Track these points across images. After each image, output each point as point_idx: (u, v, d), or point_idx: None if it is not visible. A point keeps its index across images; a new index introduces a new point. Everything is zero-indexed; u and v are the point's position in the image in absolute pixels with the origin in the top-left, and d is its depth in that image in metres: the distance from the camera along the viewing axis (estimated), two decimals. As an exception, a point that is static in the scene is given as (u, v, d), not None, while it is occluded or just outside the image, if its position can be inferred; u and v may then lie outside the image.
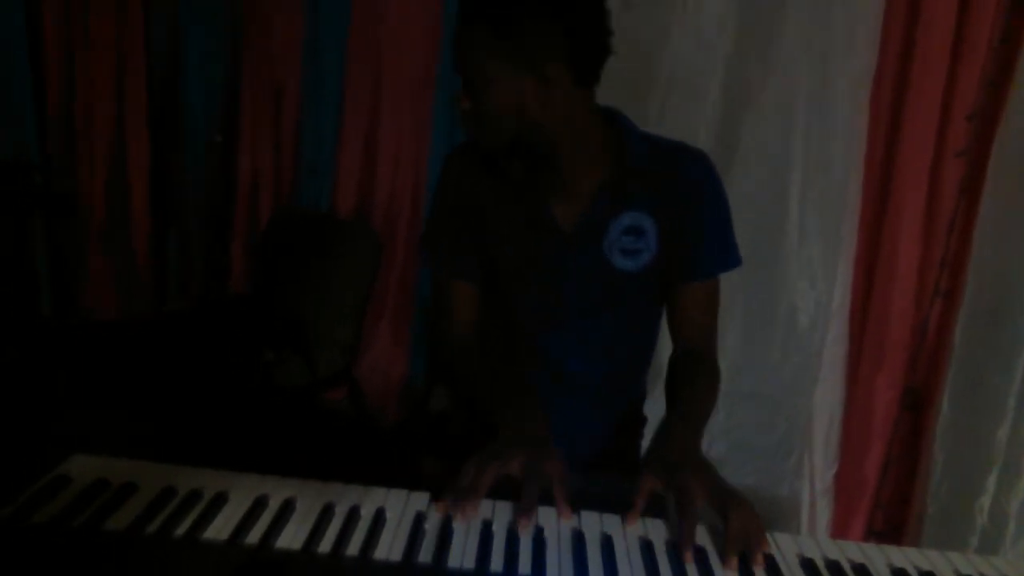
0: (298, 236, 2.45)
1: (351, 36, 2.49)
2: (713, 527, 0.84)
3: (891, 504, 2.02)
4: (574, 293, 1.11)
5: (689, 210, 1.09)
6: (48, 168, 2.91)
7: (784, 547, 0.82)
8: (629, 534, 0.82)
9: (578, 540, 0.79)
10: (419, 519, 0.80)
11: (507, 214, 1.11)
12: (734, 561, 0.78)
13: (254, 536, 0.75)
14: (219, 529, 0.75)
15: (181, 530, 0.75)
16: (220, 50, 2.72)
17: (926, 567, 0.81)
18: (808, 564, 0.79)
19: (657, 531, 0.83)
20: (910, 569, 0.80)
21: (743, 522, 0.81)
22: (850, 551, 0.83)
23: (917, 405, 1.96)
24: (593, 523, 0.83)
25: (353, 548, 0.74)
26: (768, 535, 0.83)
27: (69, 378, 2.44)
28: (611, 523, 0.83)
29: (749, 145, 1.94)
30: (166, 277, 3.03)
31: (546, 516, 0.83)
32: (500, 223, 1.12)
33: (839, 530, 2.03)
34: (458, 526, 0.79)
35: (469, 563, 0.74)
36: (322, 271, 2.28)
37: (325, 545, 0.74)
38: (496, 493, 0.84)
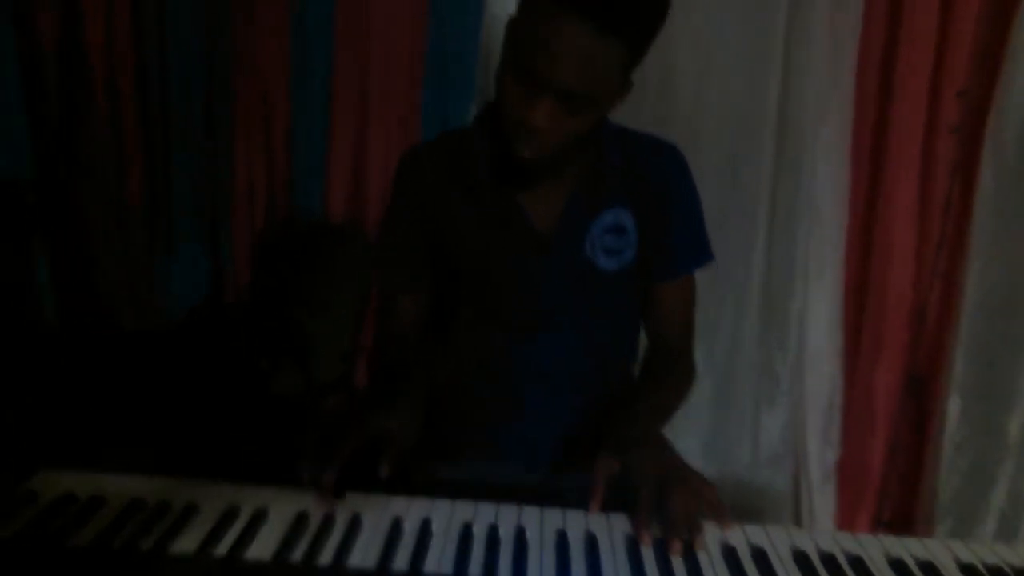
0: (292, 243, 2.43)
1: (337, 36, 2.47)
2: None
3: (899, 493, 1.98)
4: (555, 298, 1.05)
5: (663, 207, 1.05)
6: (46, 185, 2.89)
7: (776, 540, 0.79)
8: (608, 530, 0.79)
9: (561, 540, 0.77)
10: (397, 524, 0.77)
11: (477, 219, 1.03)
12: (677, 546, 0.76)
13: (223, 547, 0.72)
14: (188, 541, 0.73)
15: (147, 543, 0.72)
16: (207, 54, 2.69)
17: (925, 557, 0.78)
18: (802, 558, 0.76)
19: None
20: (908, 559, 0.77)
21: (681, 507, 0.78)
22: (846, 542, 0.80)
23: (920, 391, 1.92)
24: (571, 521, 0.80)
25: (326, 557, 0.72)
26: (759, 528, 0.80)
27: (61, 388, 2.42)
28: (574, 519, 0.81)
29: (720, 120, 1.85)
30: (162, 287, 3.01)
31: (528, 516, 0.80)
32: (468, 229, 1.04)
33: (845, 520, 1.99)
34: (436, 529, 0.77)
35: (447, 567, 0.71)
36: (317, 277, 2.26)
37: (297, 554, 0.72)
38: (459, 493, 0.82)
